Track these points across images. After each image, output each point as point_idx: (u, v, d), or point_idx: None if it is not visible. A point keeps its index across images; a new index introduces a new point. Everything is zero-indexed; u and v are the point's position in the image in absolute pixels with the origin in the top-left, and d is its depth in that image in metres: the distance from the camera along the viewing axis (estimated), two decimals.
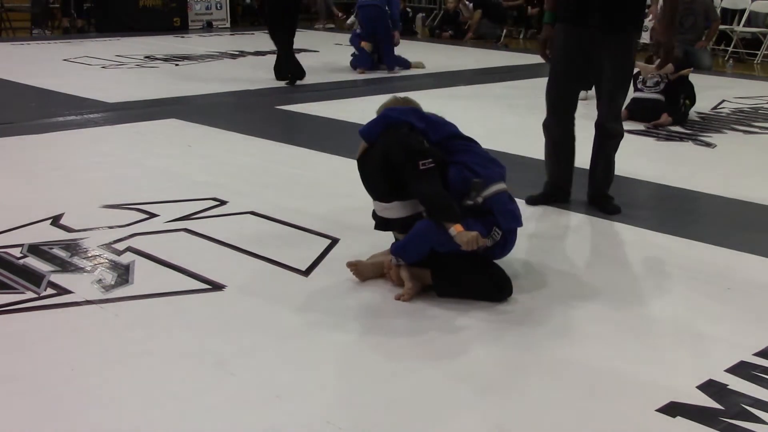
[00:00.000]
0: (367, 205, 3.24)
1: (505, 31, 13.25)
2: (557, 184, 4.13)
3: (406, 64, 9.09)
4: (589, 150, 4.12)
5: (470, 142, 3.23)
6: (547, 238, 3.70)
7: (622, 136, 4.11)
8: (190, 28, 13.30)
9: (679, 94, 6.41)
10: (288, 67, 7.85)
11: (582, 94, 7.22)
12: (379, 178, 3.09)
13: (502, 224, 3.04)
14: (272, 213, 3.90)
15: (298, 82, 7.83)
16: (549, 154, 4.15)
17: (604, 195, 4.10)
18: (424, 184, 2.95)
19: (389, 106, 3.24)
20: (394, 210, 3.10)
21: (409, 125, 3.06)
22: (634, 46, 3.93)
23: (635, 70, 6.38)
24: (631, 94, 6.60)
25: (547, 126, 4.09)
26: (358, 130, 3.16)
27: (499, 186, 3.09)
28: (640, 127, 6.23)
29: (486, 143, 3.31)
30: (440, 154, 3.06)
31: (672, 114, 6.26)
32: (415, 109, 3.21)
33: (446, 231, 2.91)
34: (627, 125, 6.25)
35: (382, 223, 3.21)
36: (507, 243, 3.11)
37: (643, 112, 6.38)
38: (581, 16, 3.82)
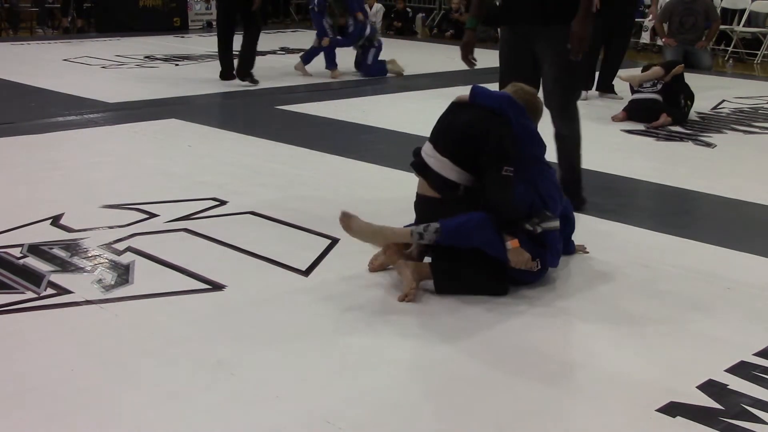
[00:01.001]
0: (367, 205, 3.24)
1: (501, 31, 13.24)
2: None
3: (382, 71, 8.69)
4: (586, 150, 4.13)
5: (549, 169, 3.29)
6: None
7: (579, 138, 4.10)
8: (190, 28, 13.29)
9: (679, 94, 6.41)
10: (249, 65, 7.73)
11: (582, 94, 7.28)
12: (454, 134, 3.11)
13: (549, 261, 3.12)
14: (272, 213, 3.90)
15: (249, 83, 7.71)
16: None
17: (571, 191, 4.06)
18: (500, 189, 3.00)
19: (515, 93, 3.23)
20: (441, 164, 3.10)
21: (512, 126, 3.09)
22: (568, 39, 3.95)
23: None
24: (629, 96, 6.67)
25: None
26: (476, 87, 3.18)
27: (557, 223, 3.13)
28: (640, 127, 6.24)
29: None
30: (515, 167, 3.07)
31: (671, 114, 6.26)
32: (524, 112, 3.20)
33: (502, 240, 2.95)
34: (627, 125, 6.30)
35: (420, 166, 3.20)
36: (537, 274, 3.13)
37: (641, 112, 6.39)
38: (516, 14, 3.95)
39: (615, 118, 6.47)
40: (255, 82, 7.64)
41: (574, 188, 4.06)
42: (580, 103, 4.15)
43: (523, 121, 3.17)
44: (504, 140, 3.04)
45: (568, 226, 3.38)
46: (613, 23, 7.32)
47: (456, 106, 3.23)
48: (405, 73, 8.71)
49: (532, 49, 3.96)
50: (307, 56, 8.48)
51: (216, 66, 7.93)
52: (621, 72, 7.29)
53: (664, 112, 6.25)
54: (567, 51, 3.86)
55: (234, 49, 7.79)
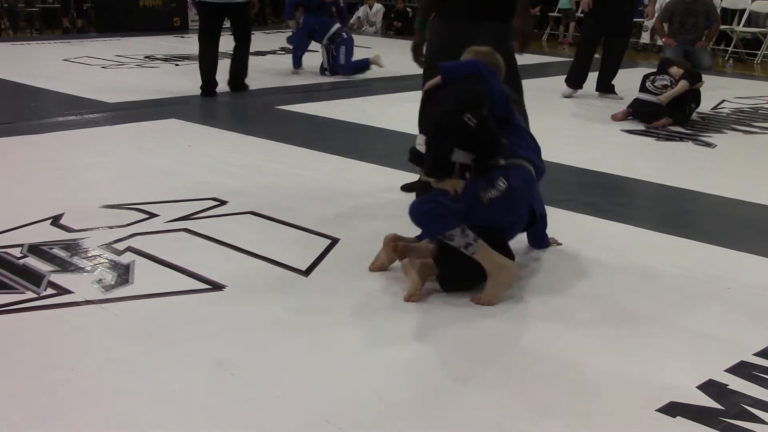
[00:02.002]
0: (367, 205, 3.24)
1: None
2: None
3: (362, 68, 8.68)
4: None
5: (527, 134, 3.32)
6: None
7: None
8: (190, 28, 13.28)
9: (687, 101, 6.41)
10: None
11: (568, 91, 7.25)
12: (437, 114, 3.07)
13: (513, 180, 3.02)
14: (272, 213, 3.90)
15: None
16: None
17: None
18: (445, 125, 2.93)
19: (482, 57, 3.22)
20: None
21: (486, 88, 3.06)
22: (508, 35, 4.03)
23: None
24: (630, 96, 6.67)
25: None
26: (442, 65, 3.15)
27: (525, 163, 3.11)
28: (640, 127, 6.24)
29: None
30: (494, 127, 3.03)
31: (672, 115, 6.26)
32: (496, 74, 3.19)
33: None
34: (627, 125, 6.30)
35: (416, 157, 3.20)
36: (516, 210, 3.06)
37: (643, 114, 6.39)
38: (453, 10, 3.99)
39: (615, 117, 6.48)
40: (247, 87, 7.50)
41: None
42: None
43: (498, 84, 3.16)
44: (472, 92, 3.00)
45: (542, 222, 3.37)
46: (607, 23, 7.31)
47: (429, 93, 3.19)
48: (404, 73, 8.71)
49: (465, 45, 3.91)
50: (296, 61, 8.67)
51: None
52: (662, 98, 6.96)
53: (665, 116, 6.25)
54: (506, 50, 3.90)
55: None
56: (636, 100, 6.52)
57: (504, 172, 3.03)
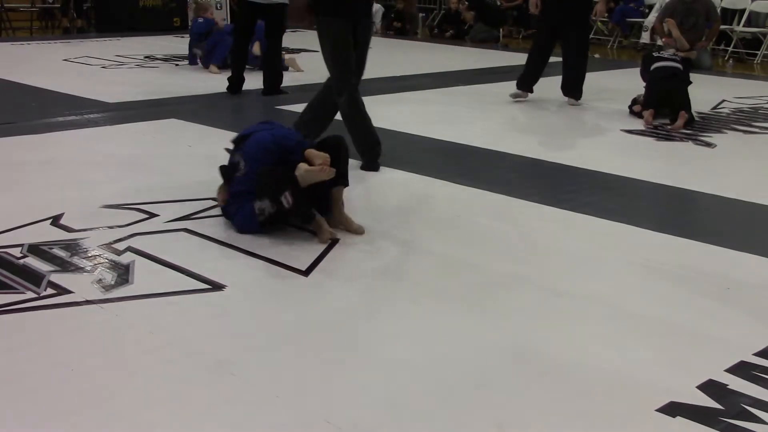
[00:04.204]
0: (366, 204, 3.24)
1: (503, 30, 13.24)
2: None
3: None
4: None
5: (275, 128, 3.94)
6: (545, 238, 3.70)
7: (347, 111, 4.87)
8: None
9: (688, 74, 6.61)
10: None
11: (518, 93, 7.14)
12: None
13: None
14: None
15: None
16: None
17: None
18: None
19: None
20: None
21: None
22: (324, 30, 4.72)
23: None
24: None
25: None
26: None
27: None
28: (640, 127, 6.23)
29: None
30: None
31: (687, 112, 6.26)
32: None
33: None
34: (627, 125, 6.30)
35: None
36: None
37: (663, 80, 6.45)
38: (357, 10, 4.73)
39: (646, 121, 6.31)
40: (285, 92, 7.40)
41: (369, 155, 4.71)
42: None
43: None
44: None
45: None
46: (561, 19, 6.89)
47: None
48: (404, 73, 8.72)
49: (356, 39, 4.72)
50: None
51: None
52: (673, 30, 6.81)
53: (682, 110, 6.23)
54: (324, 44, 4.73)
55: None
56: (655, 69, 6.56)
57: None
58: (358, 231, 3.58)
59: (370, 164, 4.68)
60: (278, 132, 3.78)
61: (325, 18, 4.70)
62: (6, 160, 4.89)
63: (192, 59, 8.96)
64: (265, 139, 3.71)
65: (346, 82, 4.80)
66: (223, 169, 3.86)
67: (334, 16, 4.66)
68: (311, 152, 3.53)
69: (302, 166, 3.48)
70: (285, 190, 3.42)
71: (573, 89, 7.10)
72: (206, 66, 8.62)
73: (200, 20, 8.91)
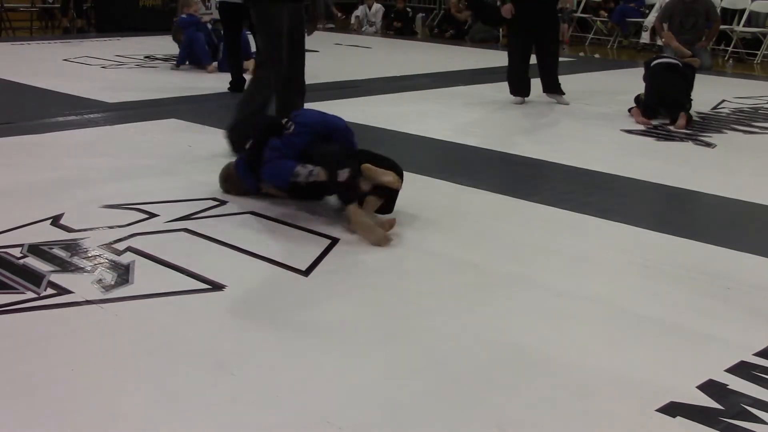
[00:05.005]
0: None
1: (502, 30, 13.23)
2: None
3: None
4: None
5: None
6: (545, 238, 3.70)
7: (250, 94, 5.12)
8: None
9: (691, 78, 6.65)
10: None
11: (516, 99, 7.14)
12: None
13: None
14: (272, 213, 3.90)
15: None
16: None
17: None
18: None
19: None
20: None
21: None
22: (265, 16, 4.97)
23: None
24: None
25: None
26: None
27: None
28: (640, 126, 6.24)
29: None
30: None
31: (687, 112, 6.27)
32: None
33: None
34: (627, 125, 6.30)
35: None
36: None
37: (662, 73, 6.49)
38: None
39: (638, 120, 6.36)
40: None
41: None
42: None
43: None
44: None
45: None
46: (537, 22, 6.95)
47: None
48: (404, 73, 8.72)
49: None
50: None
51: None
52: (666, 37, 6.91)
53: (682, 107, 6.25)
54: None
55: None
56: (656, 65, 6.58)
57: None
58: (387, 226, 3.61)
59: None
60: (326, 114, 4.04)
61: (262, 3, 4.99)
62: (6, 159, 4.89)
63: (181, 60, 8.98)
64: (315, 113, 4.01)
65: (277, 62, 5.04)
66: (236, 131, 4.21)
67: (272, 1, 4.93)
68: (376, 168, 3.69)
69: (369, 165, 3.64)
70: (347, 167, 3.56)
71: (554, 86, 7.18)
72: (177, 66, 8.84)
73: (184, 16, 8.97)
